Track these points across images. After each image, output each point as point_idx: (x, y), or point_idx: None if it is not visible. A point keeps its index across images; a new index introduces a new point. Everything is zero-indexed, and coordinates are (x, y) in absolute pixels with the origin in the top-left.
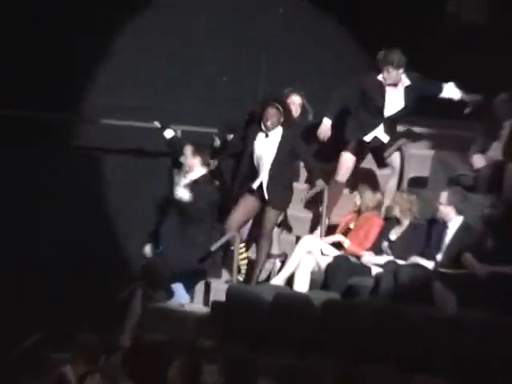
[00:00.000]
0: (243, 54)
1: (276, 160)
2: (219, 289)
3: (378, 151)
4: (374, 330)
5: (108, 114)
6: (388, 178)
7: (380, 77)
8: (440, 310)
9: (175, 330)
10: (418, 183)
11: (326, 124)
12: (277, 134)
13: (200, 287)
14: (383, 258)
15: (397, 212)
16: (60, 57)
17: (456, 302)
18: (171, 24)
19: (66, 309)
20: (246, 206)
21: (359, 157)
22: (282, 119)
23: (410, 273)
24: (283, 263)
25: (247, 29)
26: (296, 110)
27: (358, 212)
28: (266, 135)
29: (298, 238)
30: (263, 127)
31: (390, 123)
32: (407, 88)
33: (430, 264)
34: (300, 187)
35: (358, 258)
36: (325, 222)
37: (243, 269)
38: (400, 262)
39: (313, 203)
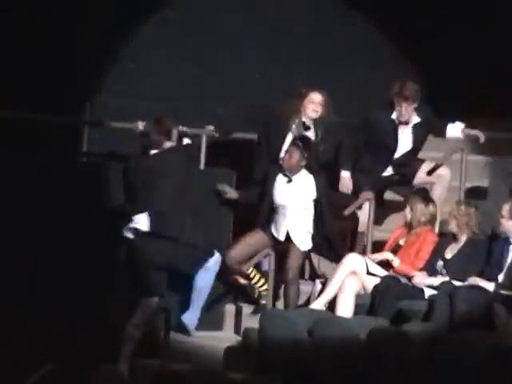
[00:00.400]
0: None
1: (301, 207)
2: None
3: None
4: (428, 360)
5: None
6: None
7: (394, 115)
8: (503, 337)
9: (202, 360)
10: (476, 194)
11: (346, 176)
12: (300, 177)
13: (230, 312)
14: (437, 279)
15: (453, 227)
16: (75, 59)
17: None
18: (192, 22)
19: (80, 337)
20: (254, 241)
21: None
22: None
23: (468, 295)
24: (324, 285)
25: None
26: (314, 110)
27: (409, 227)
28: (289, 180)
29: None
30: (286, 171)
31: (397, 162)
32: (416, 125)
33: (490, 285)
34: None
35: (409, 278)
36: (370, 237)
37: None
38: (457, 283)
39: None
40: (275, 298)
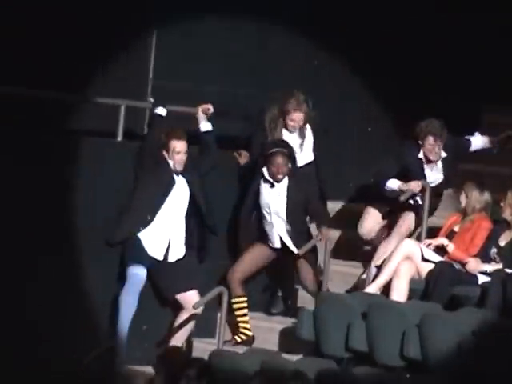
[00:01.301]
0: None
1: (291, 212)
2: (306, 297)
3: None
4: (477, 348)
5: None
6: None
7: (421, 154)
8: None
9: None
10: None
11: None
12: (283, 183)
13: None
14: (491, 266)
15: (507, 215)
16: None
17: None
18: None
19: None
20: (256, 257)
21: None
22: (289, 165)
23: None
24: (379, 269)
25: None
26: (293, 126)
27: (464, 213)
28: (272, 185)
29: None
30: (269, 177)
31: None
32: (445, 159)
33: None
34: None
35: (463, 264)
36: (426, 223)
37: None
38: (510, 270)
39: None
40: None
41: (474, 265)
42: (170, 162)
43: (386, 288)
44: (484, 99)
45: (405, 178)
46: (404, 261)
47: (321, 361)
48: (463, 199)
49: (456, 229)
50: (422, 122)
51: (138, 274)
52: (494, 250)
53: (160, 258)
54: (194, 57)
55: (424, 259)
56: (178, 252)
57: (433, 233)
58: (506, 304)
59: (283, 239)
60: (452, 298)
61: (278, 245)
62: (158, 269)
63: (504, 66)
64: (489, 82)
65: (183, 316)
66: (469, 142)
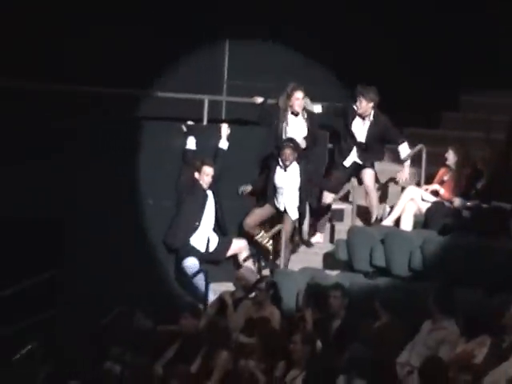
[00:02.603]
0: None
1: (294, 188)
2: (341, 230)
3: None
4: (460, 260)
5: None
6: None
7: (354, 106)
8: None
9: (308, 262)
10: None
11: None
12: (293, 167)
13: (327, 228)
14: (469, 202)
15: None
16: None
17: None
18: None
19: None
20: (264, 213)
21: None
22: (296, 155)
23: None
24: (391, 208)
25: None
26: (300, 105)
27: (450, 167)
28: (285, 169)
29: (402, 189)
30: (282, 164)
31: (363, 149)
32: (371, 122)
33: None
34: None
35: (451, 202)
36: (423, 175)
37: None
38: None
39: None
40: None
41: (458, 202)
42: (202, 182)
43: (397, 221)
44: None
45: (344, 129)
46: (409, 201)
47: (353, 274)
48: (451, 157)
49: (445, 178)
50: (361, 85)
51: (191, 266)
52: (473, 191)
53: (203, 250)
54: (260, 59)
55: (423, 200)
56: (214, 244)
57: (428, 182)
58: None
59: (286, 207)
60: (444, 227)
61: (282, 209)
62: (204, 257)
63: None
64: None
65: (241, 256)
66: (397, 138)
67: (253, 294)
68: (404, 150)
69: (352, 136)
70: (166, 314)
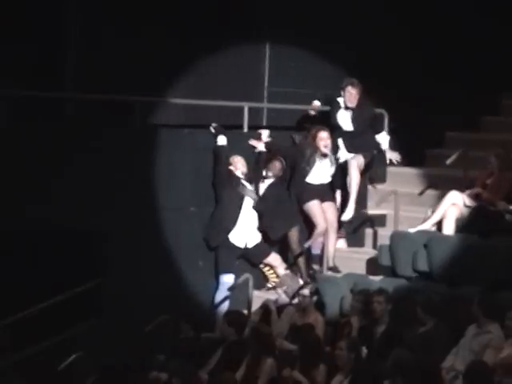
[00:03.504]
0: None
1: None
2: (384, 235)
3: None
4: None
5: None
6: None
7: (339, 99)
8: None
9: (351, 268)
10: None
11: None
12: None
13: (368, 234)
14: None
15: None
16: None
17: None
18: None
19: None
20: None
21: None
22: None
23: None
24: (433, 212)
25: None
26: (325, 145)
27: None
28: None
29: (443, 194)
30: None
31: (350, 139)
32: (357, 110)
33: None
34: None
35: (494, 206)
36: (465, 180)
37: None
38: None
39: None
40: None
41: (502, 205)
42: (236, 173)
43: (438, 225)
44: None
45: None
46: (451, 206)
47: (396, 280)
48: (493, 160)
49: (488, 182)
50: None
51: (227, 282)
52: None
53: (242, 246)
54: (301, 66)
55: (466, 206)
56: (254, 240)
57: (471, 186)
58: None
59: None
60: (486, 230)
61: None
62: (243, 254)
63: None
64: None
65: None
66: (380, 128)
67: (296, 301)
68: (383, 138)
69: (338, 127)
70: (207, 322)
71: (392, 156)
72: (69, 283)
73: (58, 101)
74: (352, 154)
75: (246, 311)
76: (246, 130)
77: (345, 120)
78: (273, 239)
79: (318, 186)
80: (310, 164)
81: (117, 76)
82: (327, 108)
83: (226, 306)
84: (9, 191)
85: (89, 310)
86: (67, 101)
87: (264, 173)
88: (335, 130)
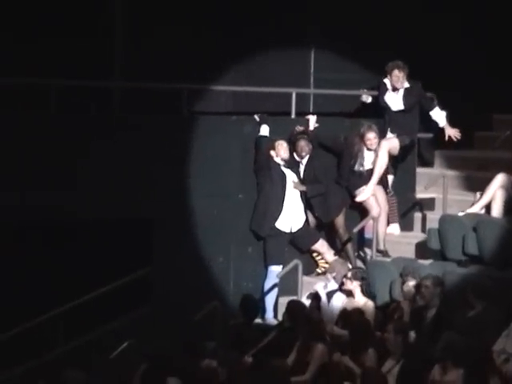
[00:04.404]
0: None
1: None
2: (433, 219)
3: None
4: None
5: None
6: None
7: (386, 80)
8: None
9: (401, 252)
10: None
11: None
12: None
13: (417, 217)
14: None
15: None
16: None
17: None
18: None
19: None
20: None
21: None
22: (311, 146)
23: None
24: (481, 195)
25: None
26: (371, 144)
27: None
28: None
29: (491, 177)
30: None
31: (396, 119)
32: (406, 90)
33: None
34: None
35: None
36: None
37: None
38: None
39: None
40: None
41: None
42: (278, 159)
43: (487, 208)
44: None
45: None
46: (499, 189)
47: (445, 263)
48: None
49: None
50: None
51: (276, 270)
52: None
53: (288, 230)
54: (346, 51)
55: None
56: (298, 223)
57: None
58: None
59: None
60: None
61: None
62: (290, 240)
63: None
64: None
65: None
66: (434, 105)
67: (346, 286)
68: (438, 114)
69: (387, 108)
70: (257, 309)
71: (451, 132)
72: (119, 272)
73: (106, 89)
74: (393, 135)
75: (295, 297)
76: (293, 116)
77: (393, 100)
78: (325, 222)
79: (365, 171)
80: (356, 160)
81: (164, 64)
82: (375, 93)
83: (275, 292)
84: (62, 181)
85: (139, 298)
86: (115, 89)
87: (296, 156)
88: (384, 111)
